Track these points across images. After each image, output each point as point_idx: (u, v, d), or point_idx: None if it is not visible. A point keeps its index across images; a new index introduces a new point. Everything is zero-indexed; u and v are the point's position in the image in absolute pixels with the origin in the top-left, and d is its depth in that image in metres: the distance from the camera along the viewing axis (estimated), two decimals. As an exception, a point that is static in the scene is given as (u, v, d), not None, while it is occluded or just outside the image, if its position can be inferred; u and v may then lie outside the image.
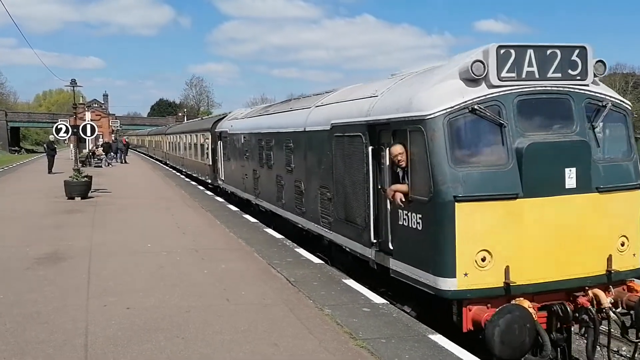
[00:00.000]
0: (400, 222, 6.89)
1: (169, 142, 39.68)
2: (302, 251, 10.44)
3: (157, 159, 48.34)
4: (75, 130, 22.79)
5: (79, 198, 18.10)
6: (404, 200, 6.70)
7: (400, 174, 6.89)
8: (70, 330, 6.15)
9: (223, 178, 19.72)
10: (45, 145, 37.86)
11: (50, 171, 29.44)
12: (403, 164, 6.76)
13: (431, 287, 6.34)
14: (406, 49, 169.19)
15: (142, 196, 19.81)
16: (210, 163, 22.44)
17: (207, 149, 23.19)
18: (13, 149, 79.82)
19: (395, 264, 7.13)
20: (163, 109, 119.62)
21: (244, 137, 15.89)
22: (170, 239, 11.52)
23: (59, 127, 23.02)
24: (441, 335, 6.08)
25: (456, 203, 6.06)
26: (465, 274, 6.06)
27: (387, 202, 7.22)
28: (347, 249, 8.67)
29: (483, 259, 6.10)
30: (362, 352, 5.56)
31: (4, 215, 14.81)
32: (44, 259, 9.72)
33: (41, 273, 8.77)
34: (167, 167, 37.40)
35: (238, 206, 16.74)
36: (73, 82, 24.26)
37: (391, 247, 7.19)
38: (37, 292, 7.65)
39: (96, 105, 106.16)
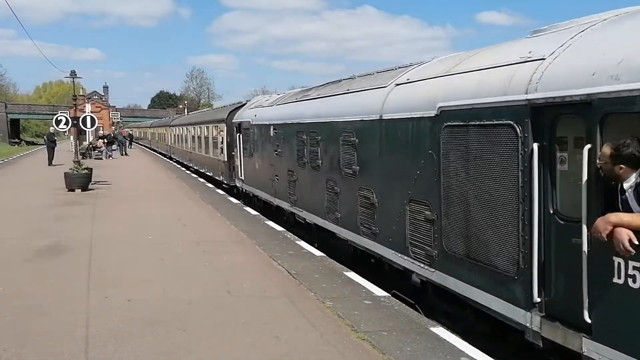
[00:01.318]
0: (617, 280, 4.12)
1: (175, 135, 36.74)
2: (303, 244, 10.42)
3: (160, 153, 46.38)
4: (75, 122, 22.77)
5: (79, 190, 18.08)
6: (636, 242, 3.93)
7: (628, 196, 4.13)
8: (70, 323, 6.13)
9: (243, 178, 16.87)
10: (45, 137, 37.83)
11: (50, 163, 29.42)
12: (628, 176, 4.11)
13: None
14: (408, 40, 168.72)
15: (143, 188, 19.77)
16: (226, 159, 19.63)
17: (222, 143, 20.37)
18: (13, 141, 79.75)
19: (597, 350, 4.31)
20: (163, 101, 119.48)
21: (274, 129, 12.89)
22: (171, 232, 11.49)
23: (59, 118, 23.00)
24: (443, 328, 6.06)
25: None
26: None
27: (574, 238, 4.51)
28: (469, 300, 5.85)
29: None
30: (364, 344, 5.54)
31: (4, 207, 14.79)
32: (44, 251, 9.70)
33: (42, 265, 8.75)
34: (172, 162, 35.67)
35: (264, 213, 14.09)
36: (73, 74, 24.19)
37: (588, 320, 4.36)
38: (38, 285, 7.63)
39: (96, 97, 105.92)
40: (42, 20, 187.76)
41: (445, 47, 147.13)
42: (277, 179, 12.88)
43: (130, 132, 59.98)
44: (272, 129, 13.06)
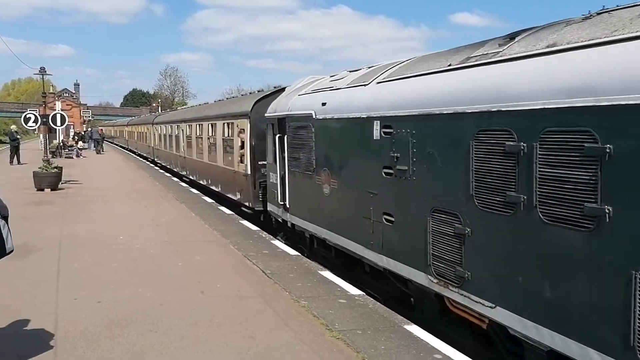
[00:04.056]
0: None
1: (161, 135, 29.66)
2: (278, 243, 10.38)
3: (141, 155, 39.20)
4: (44, 119, 22.29)
5: (49, 190, 17.72)
6: None
7: None
8: (39, 325, 5.98)
9: (288, 204, 10.35)
10: (7, 135, 36.81)
11: (11, 162, 28.72)
12: None
13: None
14: (383, 40, 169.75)
15: (115, 188, 19.44)
16: (248, 171, 13.20)
17: (242, 147, 13.88)
18: (-20, 139, 77.59)
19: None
20: (137, 99, 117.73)
21: (385, 127, 6.93)
22: (144, 232, 11.33)
23: (27, 116, 22.54)
24: (416, 326, 6.10)
25: None
26: None
27: None
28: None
29: None
30: (338, 343, 5.54)
31: (-31, 207, 14.35)
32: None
33: (8, 266, 8.48)
34: (155, 167, 29.63)
35: (334, 267, 8.92)
36: (42, 71, 23.58)
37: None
38: (5, 286, 7.42)
39: (67, 94, 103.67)
40: (10, 16, 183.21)
41: (420, 47, 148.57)
42: (389, 223, 6.88)
43: (101, 130, 58.70)
44: (376, 127, 7.06)
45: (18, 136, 31.33)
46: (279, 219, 11.19)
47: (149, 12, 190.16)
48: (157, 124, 32.01)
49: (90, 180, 21.24)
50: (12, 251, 5.52)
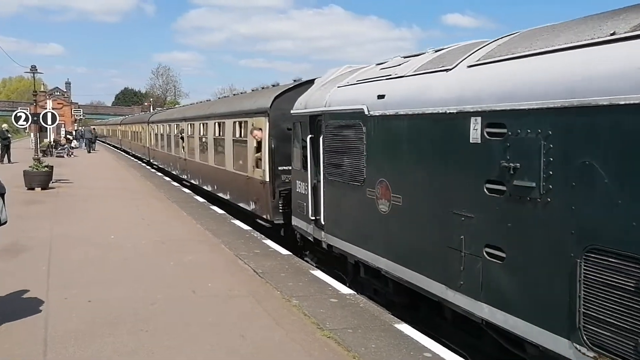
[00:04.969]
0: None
1: (158, 134, 27.91)
2: (269, 242, 10.39)
3: (135, 156, 37.60)
4: (35, 118, 22.16)
5: (39, 188, 17.60)
6: None
7: None
8: (29, 324, 5.95)
9: (324, 221, 8.47)
10: None
11: (2, 161, 28.53)
12: None
13: None
14: (375, 41, 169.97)
15: (106, 187, 19.36)
16: (267, 178, 11.34)
17: (258, 150, 11.97)
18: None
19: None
20: (128, 98, 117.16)
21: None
22: (135, 231, 11.29)
23: (18, 115, 22.38)
24: (407, 325, 6.14)
25: None
26: None
27: None
28: None
29: None
30: (329, 342, 5.56)
31: (-41, 206, 14.25)
32: (1, 250, 9.38)
33: (-1, 266, 8.48)
34: (148, 167, 28.75)
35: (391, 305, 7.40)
36: (33, 69, 23.44)
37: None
38: (-6, 286, 7.38)
39: (58, 93, 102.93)
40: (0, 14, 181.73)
41: (412, 47, 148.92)
42: (496, 259, 4.98)
43: (94, 129, 58.20)
44: (475, 125, 5.19)
45: (9, 135, 31.12)
46: (309, 237, 9.22)
47: (140, 10, 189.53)
48: (153, 122, 29.90)
49: (81, 180, 21.13)
50: (6, 222, 6.45)
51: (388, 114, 6.60)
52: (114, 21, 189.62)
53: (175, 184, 20.82)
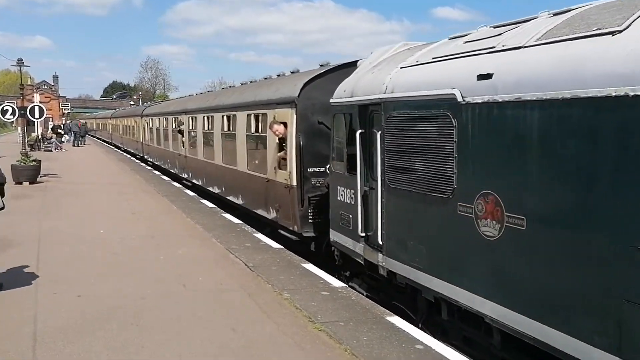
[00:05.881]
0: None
1: (153, 129, 25.51)
2: (260, 236, 10.36)
3: (127, 151, 35.45)
4: (22, 112, 21.88)
5: (27, 183, 17.48)
6: None
7: None
8: (17, 320, 5.90)
9: (384, 240, 6.64)
10: None
11: None
12: None
13: None
14: (365, 34, 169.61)
15: (95, 181, 19.22)
16: (294, 182, 9.42)
17: (282, 148, 9.96)
18: (-44, 132, 75.92)
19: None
20: (117, 91, 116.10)
21: None
22: (125, 225, 11.21)
23: (5, 108, 22.08)
24: (398, 317, 6.15)
25: None
26: None
27: None
28: None
29: None
30: (321, 335, 5.56)
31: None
32: (-11, 246, 9.29)
33: (-14, 261, 8.38)
34: (144, 165, 26.41)
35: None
36: (20, 62, 23.09)
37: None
38: (-18, 281, 7.29)
39: (45, 86, 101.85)
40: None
41: (403, 40, 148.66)
42: None
43: (84, 123, 57.56)
44: None
45: None
46: (357, 259, 7.43)
47: (128, 3, 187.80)
48: (147, 116, 27.34)
49: (70, 174, 20.95)
50: (2, 208, 6.87)
51: (500, 100, 4.77)
52: (101, 14, 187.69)
53: (166, 178, 20.68)
